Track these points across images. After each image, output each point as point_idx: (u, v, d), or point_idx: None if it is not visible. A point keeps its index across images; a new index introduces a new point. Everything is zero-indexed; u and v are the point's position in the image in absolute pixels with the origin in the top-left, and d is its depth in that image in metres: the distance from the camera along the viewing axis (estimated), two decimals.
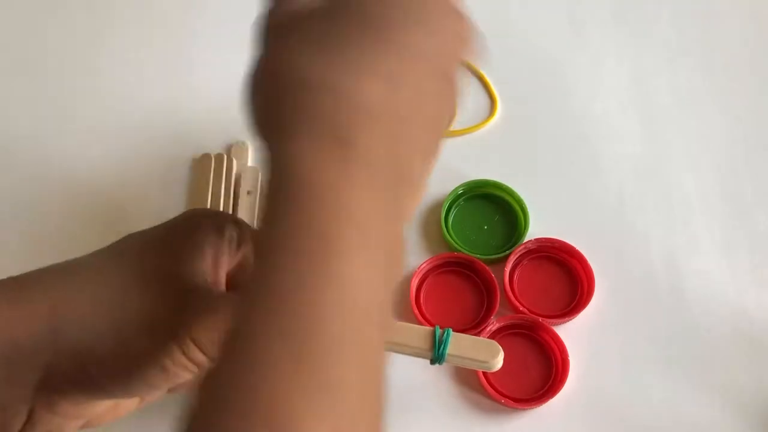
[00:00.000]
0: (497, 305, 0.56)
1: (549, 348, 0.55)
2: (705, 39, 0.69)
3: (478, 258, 0.58)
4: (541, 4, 0.70)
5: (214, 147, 0.63)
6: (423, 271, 0.58)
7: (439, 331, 0.44)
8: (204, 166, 0.62)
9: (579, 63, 0.68)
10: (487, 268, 0.57)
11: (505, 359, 0.47)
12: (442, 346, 0.43)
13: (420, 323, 0.54)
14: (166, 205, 0.61)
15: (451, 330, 0.44)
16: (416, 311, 0.56)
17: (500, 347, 0.45)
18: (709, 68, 0.67)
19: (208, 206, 0.60)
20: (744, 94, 0.66)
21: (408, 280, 0.57)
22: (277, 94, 0.29)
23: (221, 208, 0.60)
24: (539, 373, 0.54)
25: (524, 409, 0.53)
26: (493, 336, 0.55)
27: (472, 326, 0.55)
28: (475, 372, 0.53)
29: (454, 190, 0.60)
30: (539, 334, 0.55)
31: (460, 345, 0.44)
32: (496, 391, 0.53)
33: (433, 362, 0.44)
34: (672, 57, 0.68)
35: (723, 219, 0.61)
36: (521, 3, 0.70)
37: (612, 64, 0.67)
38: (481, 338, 0.47)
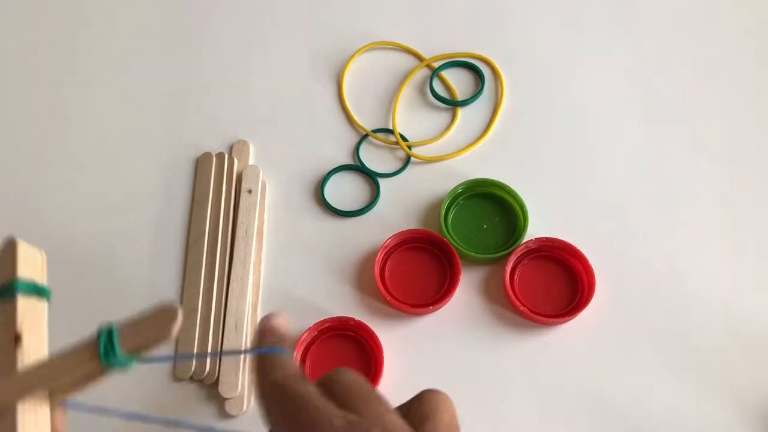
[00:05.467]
0: (459, 278, 0.57)
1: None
2: (706, 38, 0.68)
3: (477, 257, 0.58)
4: (542, 5, 0.70)
5: (216, 146, 0.64)
6: (388, 247, 0.58)
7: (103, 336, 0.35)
8: (206, 165, 0.62)
9: (579, 63, 0.67)
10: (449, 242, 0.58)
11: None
12: (111, 350, 0.34)
13: (384, 296, 0.56)
14: (169, 203, 0.62)
15: (114, 326, 0.35)
16: (381, 287, 0.57)
17: (176, 309, 0.35)
18: (710, 67, 0.67)
19: (210, 204, 0.60)
20: (745, 93, 0.65)
21: (373, 256, 0.58)
22: None
23: (222, 206, 0.60)
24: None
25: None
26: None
27: (437, 299, 0.57)
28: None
29: (453, 189, 0.60)
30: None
31: (135, 333, 0.35)
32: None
33: (108, 368, 0.35)
34: (672, 56, 0.67)
35: (723, 219, 0.60)
36: (523, 4, 0.70)
37: (612, 64, 0.67)
38: (153, 310, 0.36)
